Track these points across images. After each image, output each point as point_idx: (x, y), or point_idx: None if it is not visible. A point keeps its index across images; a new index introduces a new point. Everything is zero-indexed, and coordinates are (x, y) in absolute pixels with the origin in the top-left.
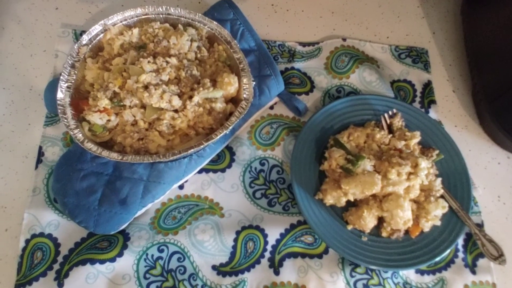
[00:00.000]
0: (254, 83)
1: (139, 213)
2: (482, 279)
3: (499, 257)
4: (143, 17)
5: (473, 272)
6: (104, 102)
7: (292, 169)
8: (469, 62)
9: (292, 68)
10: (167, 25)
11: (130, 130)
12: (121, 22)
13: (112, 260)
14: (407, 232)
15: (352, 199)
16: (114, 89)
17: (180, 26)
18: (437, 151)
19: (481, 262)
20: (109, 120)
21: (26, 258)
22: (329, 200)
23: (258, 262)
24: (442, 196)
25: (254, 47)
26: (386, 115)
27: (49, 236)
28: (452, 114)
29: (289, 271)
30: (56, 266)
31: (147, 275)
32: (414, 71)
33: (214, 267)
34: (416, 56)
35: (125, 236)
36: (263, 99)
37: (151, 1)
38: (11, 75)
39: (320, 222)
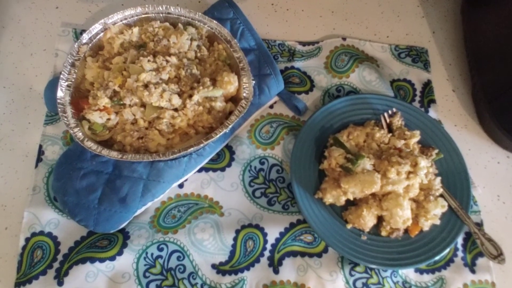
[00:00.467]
0: (254, 82)
1: (139, 211)
2: (482, 278)
3: (498, 256)
4: (143, 16)
5: (473, 271)
6: (104, 101)
7: (291, 168)
8: (469, 62)
9: (292, 67)
10: (167, 24)
11: (130, 129)
12: (121, 21)
13: (112, 258)
14: (406, 231)
15: (351, 198)
16: (114, 88)
17: (180, 25)
18: (436, 150)
19: (481, 261)
20: (109, 119)
21: (26, 257)
22: (329, 199)
23: (257, 261)
24: (441, 195)
25: (254, 46)
26: (385, 114)
27: (49, 234)
28: (452, 113)
29: (289, 270)
30: (56, 265)
31: (147, 274)
32: (414, 71)
33: (213, 266)
34: (416, 56)
35: (124, 234)
36: (263, 98)
37: (151, 0)
38: (11, 74)
39: (320, 221)
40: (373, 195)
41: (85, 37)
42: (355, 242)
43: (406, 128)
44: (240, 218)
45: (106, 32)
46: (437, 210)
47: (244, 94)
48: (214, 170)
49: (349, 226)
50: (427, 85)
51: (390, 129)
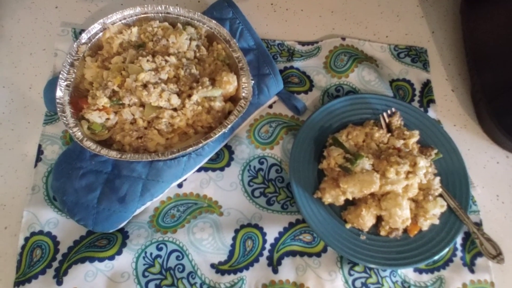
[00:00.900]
0: (253, 82)
1: (138, 211)
2: (481, 277)
3: (497, 255)
4: (142, 16)
5: (472, 271)
6: (103, 101)
7: (291, 168)
8: (468, 62)
9: (291, 67)
10: (166, 24)
11: (129, 128)
12: (120, 21)
13: (111, 258)
14: (405, 231)
15: (350, 198)
16: (113, 88)
17: (179, 25)
18: (435, 150)
19: (480, 261)
20: (108, 119)
21: (25, 256)
22: (328, 198)
23: (256, 260)
24: (440, 195)
25: (253, 46)
26: (385, 114)
27: (48, 234)
28: (451, 113)
29: (288, 270)
30: (55, 264)
31: (146, 273)
32: (413, 70)
33: (212, 266)
34: (415, 55)
35: (124, 234)
36: (262, 98)
37: (150, 0)
38: (10, 74)
39: (319, 221)
40: (372, 194)
41: (84, 37)
42: (354, 242)
43: (405, 128)
44: (239, 218)
45: (105, 32)
46: (436, 210)
47: (243, 94)
48: (213, 169)
49: (348, 226)
50: (426, 85)
51: (389, 129)
